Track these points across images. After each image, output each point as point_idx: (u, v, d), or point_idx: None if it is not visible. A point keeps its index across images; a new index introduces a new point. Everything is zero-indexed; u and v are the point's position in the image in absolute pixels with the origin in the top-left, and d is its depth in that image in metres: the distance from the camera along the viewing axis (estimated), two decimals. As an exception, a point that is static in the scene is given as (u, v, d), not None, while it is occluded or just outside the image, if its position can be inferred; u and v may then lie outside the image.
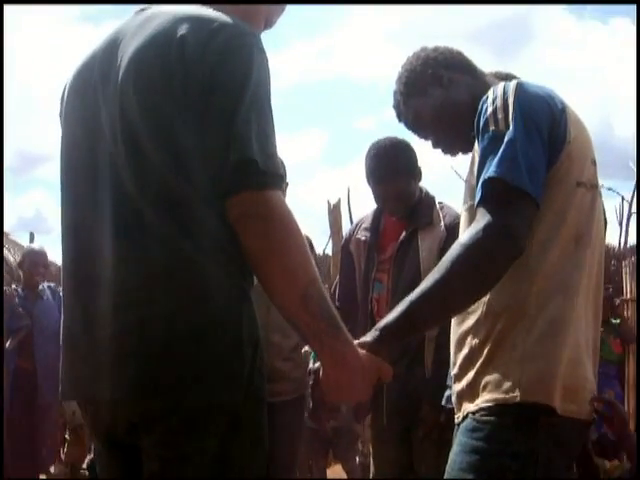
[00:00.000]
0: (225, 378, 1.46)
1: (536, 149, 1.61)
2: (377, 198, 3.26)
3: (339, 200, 8.25)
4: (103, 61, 1.59)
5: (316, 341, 1.48)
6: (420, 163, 3.27)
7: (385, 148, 3.17)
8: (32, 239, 9.78)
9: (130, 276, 1.48)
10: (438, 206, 3.24)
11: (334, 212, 8.15)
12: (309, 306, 1.44)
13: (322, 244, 9.39)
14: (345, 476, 5.71)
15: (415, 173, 3.22)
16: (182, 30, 1.48)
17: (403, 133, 2.71)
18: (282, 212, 1.45)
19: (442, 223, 3.14)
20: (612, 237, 9.93)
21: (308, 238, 3.35)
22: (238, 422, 1.49)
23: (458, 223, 2.92)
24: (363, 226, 3.37)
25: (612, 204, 10.38)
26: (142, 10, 1.63)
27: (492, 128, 1.63)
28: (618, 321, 7.41)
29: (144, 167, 1.48)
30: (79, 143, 1.61)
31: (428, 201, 3.26)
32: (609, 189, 10.74)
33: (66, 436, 5.82)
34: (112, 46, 1.59)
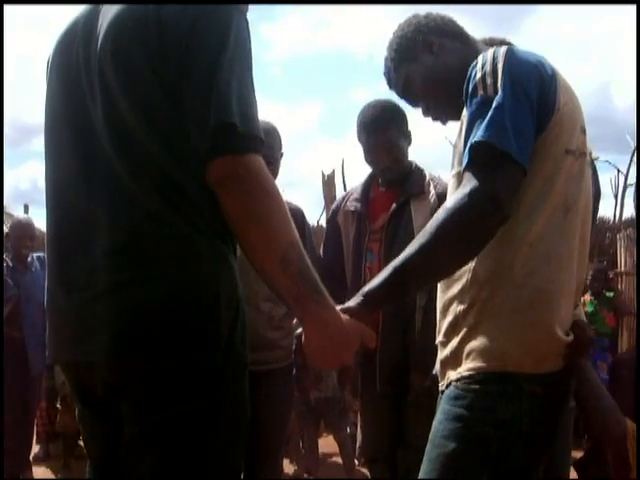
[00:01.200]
0: (201, 340, 1.46)
1: (524, 115, 1.58)
2: (368, 153, 3.26)
3: (333, 171, 8.27)
4: (85, 27, 1.59)
5: (297, 305, 1.47)
6: (412, 129, 3.29)
7: (374, 104, 3.23)
8: (26, 211, 9.76)
9: (109, 240, 1.47)
10: (429, 176, 3.26)
11: (328, 183, 8.16)
12: (288, 269, 1.44)
13: (317, 215, 9.39)
14: (336, 446, 5.74)
15: (404, 130, 3.25)
16: None
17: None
18: (261, 175, 1.45)
19: (434, 192, 3.15)
20: (607, 210, 9.95)
21: (300, 209, 3.35)
22: (217, 385, 1.49)
23: None
24: (352, 197, 3.37)
25: (608, 177, 10.39)
26: None
27: (480, 93, 1.61)
28: (612, 294, 7.44)
29: (122, 131, 1.48)
30: (62, 109, 1.61)
31: (418, 172, 3.28)
32: (605, 161, 10.76)
33: (57, 405, 5.83)
34: (94, 12, 1.59)
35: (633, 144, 10.18)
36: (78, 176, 1.54)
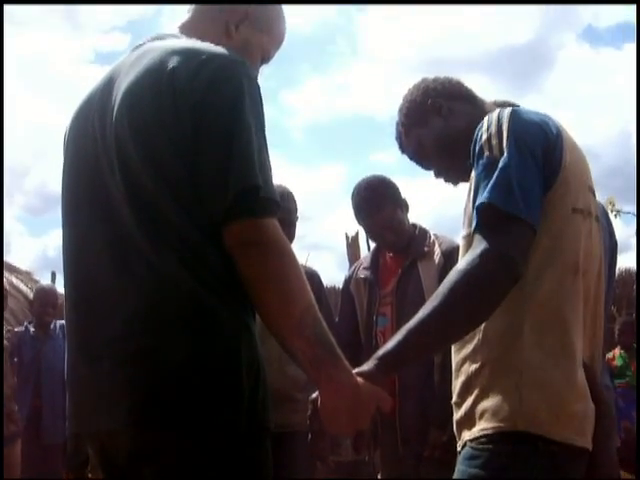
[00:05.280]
0: (224, 407, 1.45)
1: (531, 174, 1.60)
2: (370, 234, 3.41)
3: (357, 233, 8.27)
4: (101, 98, 1.62)
5: (313, 369, 1.47)
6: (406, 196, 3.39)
7: (364, 185, 3.31)
8: (54, 278, 9.81)
9: (128, 308, 1.48)
10: (433, 236, 3.34)
11: (352, 245, 8.17)
12: (304, 333, 1.44)
13: (342, 277, 9.37)
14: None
15: (399, 202, 3.33)
16: (173, 62, 1.51)
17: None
18: (278, 238, 1.47)
19: (439, 250, 3.22)
20: (633, 261, 9.83)
21: (316, 273, 3.40)
22: (240, 450, 1.48)
23: (455, 249, 3.01)
24: (362, 266, 3.48)
25: (632, 228, 10.31)
26: (138, 47, 1.66)
27: (486, 154, 1.63)
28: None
29: (141, 199, 1.50)
30: (79, 179, 1.63)
31: (423, 233, 3.37)
32: (628, 213, 10.68)
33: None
34: (109, 83, 1.62)
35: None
36: (97, 246, 1.55)
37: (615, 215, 10.56)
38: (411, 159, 2.10)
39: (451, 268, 1.65)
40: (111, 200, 1.53)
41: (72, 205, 1.65)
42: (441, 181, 2.05)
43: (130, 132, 1.51)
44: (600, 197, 1.86)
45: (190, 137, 1.47)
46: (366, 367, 1.58)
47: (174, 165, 1.48)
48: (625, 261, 9.47)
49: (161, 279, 1.47)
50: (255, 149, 1.47)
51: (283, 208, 3.04)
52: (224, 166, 1.45)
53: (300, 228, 3.42)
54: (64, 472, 5.94)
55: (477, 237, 1.59)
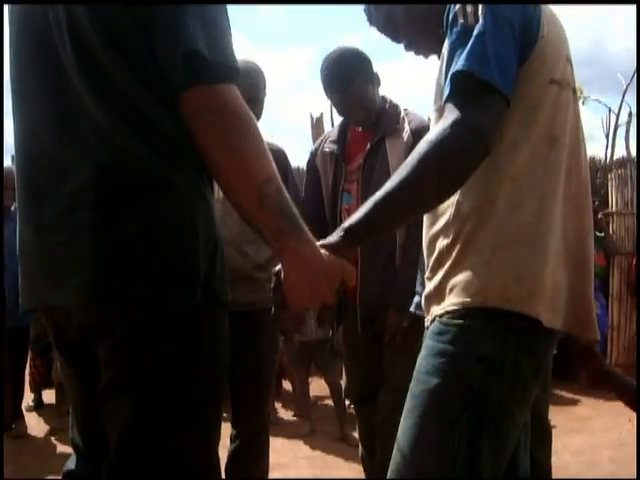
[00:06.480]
0: (179, 279, 1.42)
1: (507, 43, 1.53)
2: (338, 108, 3.26)
3: (322, 114, 8.19)
4: None
5: (276, 241, 1.44)
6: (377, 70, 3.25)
7: (335, 57, 3.15)
8: (13, 161, 9.66)
9: (80, 180, 1.42)
10: (403, 112, 3.24)
11: (317, 126, 8.10)
12: (266, 204, 1.40)
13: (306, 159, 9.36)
14: (327, 388, 5.78)
15: (370, 77, 3.19)
16: None
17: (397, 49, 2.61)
18: (236, 106, 1.40)
19: (408, 128, 3.13)
20: (598, 149, 9.93)
21: (282, 150, 3.31)
22: (196, 326, 1.45)
23: (425, 127, 2.96)
24: (329, 140, 3.36)
25: (599, 117, 10.39)
26: None
27: (461, 22, 1.55)
28: (602, 234, 7.47)
29: (94, 66, 1.42)
30: (28, 53, 1.54)
31: (393, 109, 3.26)
32: (595, 100, 10.74)
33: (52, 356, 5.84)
34: None
35: (625, 83, 10.13)
36: (47, 117, 1.48)
37: (583, 102, 10.62)
38: (380, 30, 2.02)
39: None
40: (62, 71, 1.45)
41: (21, 81, 1.56)
42: (411, 54, 1.97)
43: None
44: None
45: (146, 6, 1.39)
46: (331, 239, 1.54)
47: (128, 30, 1.40)
48: (589, 150, 9.54)
49: (115, 150, 1.40)
50: (202, 17, 1.39)
51: (249, 83, 2.94)
52: (174, 32, 1.37)
53: (265, 110, 3.28)
54: (30, 355, 6.02)
55: (449, 106, 1.53)
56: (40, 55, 1.50)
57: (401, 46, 1.98)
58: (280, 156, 3.16)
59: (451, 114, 1.51)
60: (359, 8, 2.09)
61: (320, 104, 7.29)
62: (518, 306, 1.55)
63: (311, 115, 8.15)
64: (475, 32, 1.52)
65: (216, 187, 1.50)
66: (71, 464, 1.71)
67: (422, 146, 1.52)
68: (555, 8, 1.68)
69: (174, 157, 1.42)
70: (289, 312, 1.56)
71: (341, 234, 1.54)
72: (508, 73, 1.53)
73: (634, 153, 8.79)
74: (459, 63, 1.51)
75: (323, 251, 1.50)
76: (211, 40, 1.39)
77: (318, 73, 3.17)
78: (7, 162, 9.20)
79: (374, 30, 2.04)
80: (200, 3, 1.41)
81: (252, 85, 3.01)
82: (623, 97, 10.23)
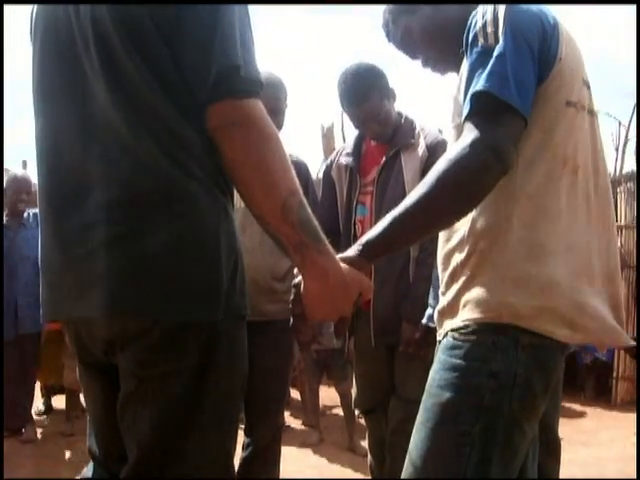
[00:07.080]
0: (201, 295, 1.44)
1: (526, 64, 1.56)
2: (354, 122, 3.30)
3: (332, 124, 8.19)
4: None
5: (297, 254, 1.46)
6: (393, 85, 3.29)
7: (352, 71, 3.19)
8: (25, 167, 9.67)
9: (104, 194, 1.44)
10: (419, 128, 3.28)
11: (327, 136, 8.10)
12: (289, 217, 1.42)
13: (316, 169, 9.35)
14: (337, 398, 5.79)
15: (386, 92, 3.24)
16: None
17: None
18: (262, 120, 1.43)
19: (423, 143, 3.17)
20: (608, 163, 9.89)
21: (304, 162, 3.35)
22: (216, 340, 1.48)
23: (439, 142, 3.00)
24: (345, 152, 3.40)
25: (609, 130, 10.35)
26: None
27: (481, 42, 1.59)
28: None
29: (119, 81, 1.44)
30: (52, 63, 1.56)
31: (408, 124, 3.30)
32: (606, 114, 10.71)
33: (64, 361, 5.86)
34: None
35: (635, 96, 10.10)
36: (72, 129, 1.50)
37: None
38: (397, 47, 2.05)
39: (434, 161, 1.62)
40: (86, 84, 1.48)
41: (45, 91, 1.59)
42: (428, 70, 2.00)
43: (109, 11, 1.44)
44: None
45: (174, 20, 1.42)
46: (349, 253, 1.58)
47: (156, 46, 1.42)
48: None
49: (139, 164, 1.43)
50: (237, 29, 1.43)
51: (272, 96, 2.98)
52: (207, 48, 1.40)
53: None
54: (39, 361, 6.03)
55: (468, 125, 1.56)
56: (64, 66, 1.52)
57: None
58: (301, 168, 3.20)
59: (470, 133, 1.54)
60: (361, 17, 2.11)
61: (330, 114, 7.31)
62: (530, 323, 1.58)
63: (322, 125, 8.16)
64: (495, 53, 1.55)
65: (236, 196, 1.52)
66: (88, 472, 1.74)
67: (441, 164, 1.55)
68: (566, 21, 1.71)
69: (197, 171, 1.45)
70: (308, 324, 1.59)
71: (359, 248, 1.57)
72: (527, 94, 1.55)
73: (644, 167, 8.76)
74: (479, 83, 1.54)
75: (342, 264, 1.52)
76: (245, 56, 1.42)
77: (328, 82, 3.21)
78: (18, 168, 9.29)
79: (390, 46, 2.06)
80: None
81: (274, 97, 3.04)
82: (633, 111, 10.20)
